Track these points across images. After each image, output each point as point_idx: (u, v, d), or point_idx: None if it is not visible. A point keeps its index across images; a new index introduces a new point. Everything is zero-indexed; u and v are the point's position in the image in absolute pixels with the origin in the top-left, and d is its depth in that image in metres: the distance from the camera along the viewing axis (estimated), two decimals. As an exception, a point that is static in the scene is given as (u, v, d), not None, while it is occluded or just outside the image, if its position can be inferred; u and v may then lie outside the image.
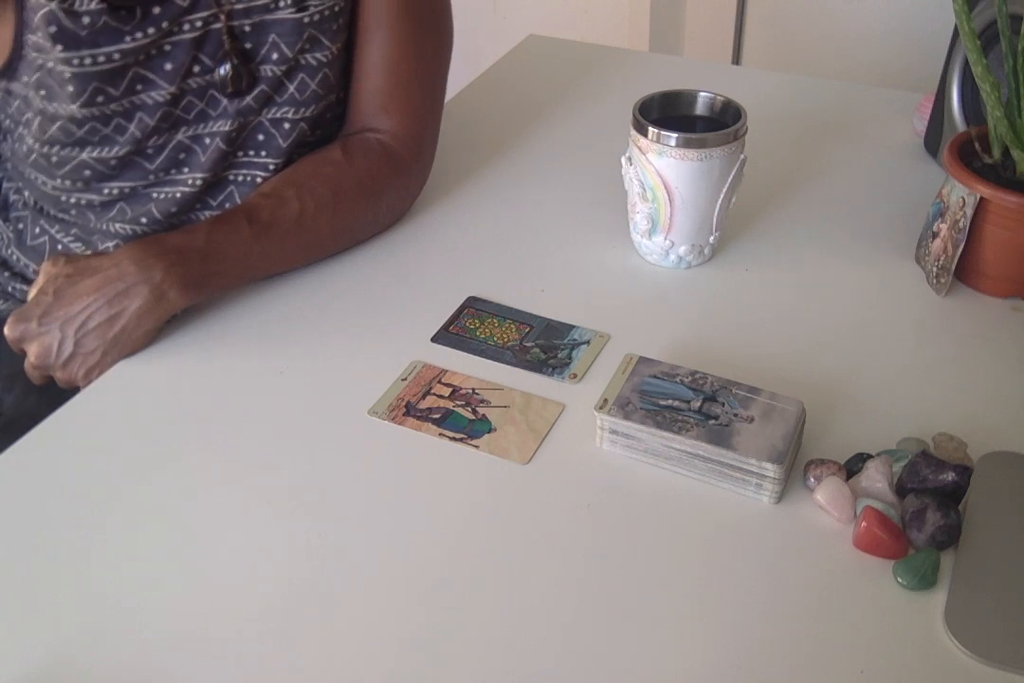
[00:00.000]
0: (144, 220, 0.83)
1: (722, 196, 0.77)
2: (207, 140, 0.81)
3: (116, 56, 0.73)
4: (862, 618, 0.53)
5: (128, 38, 0.73)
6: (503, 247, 0.84)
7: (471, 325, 0.75)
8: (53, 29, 0.71)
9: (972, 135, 0.76)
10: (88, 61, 0.72)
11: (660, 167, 0.74)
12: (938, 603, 0.54)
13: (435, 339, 0.74)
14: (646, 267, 0.82)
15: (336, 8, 0.80)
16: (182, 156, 0.81)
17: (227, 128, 0.80)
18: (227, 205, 0.84)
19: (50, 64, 0.72)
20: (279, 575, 0.56)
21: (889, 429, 0.64)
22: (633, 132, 0.76)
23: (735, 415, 0.61)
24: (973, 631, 0.51)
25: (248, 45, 0.78)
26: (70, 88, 0.73)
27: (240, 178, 0.84)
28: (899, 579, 0.54)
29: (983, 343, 0.72)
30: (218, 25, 0.76)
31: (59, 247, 0.88)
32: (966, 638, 0.51)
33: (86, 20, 0.71)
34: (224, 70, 0.78)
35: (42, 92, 0.75)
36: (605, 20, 1.90)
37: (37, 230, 0.88)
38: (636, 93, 0.79)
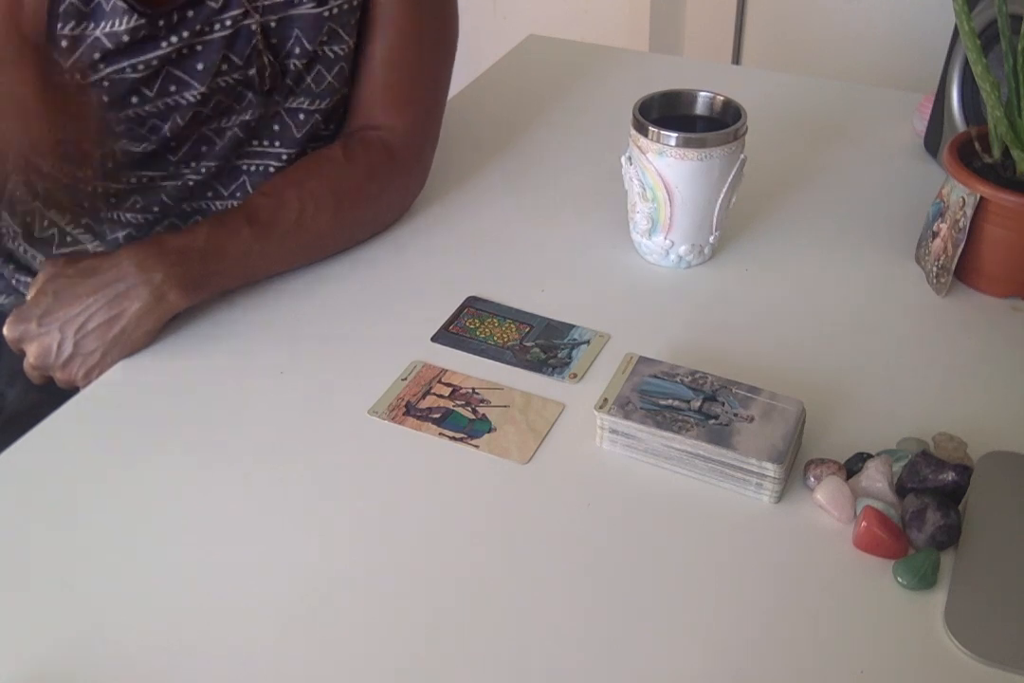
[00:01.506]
0: (155, 209, 0.84)
1: (722, 196, 0.77)
2: (228, 132, 0.81)
3: (154, 62, 0.74)
4: (862, 618, 0.53)
5: (164, 43, 0.74)
6: (503, 247, 0.84)
7: (471, 325, 0.75)
8: (98, 55, 0.72)
9: (972, 135, 0.76)
10: (128, 70, 0.73)
11: (660, 167, 0.74)
12: (938, 603, 0.54)
13: (435, 339, 0.74)
14: (646, 267, 0.82)
15: (355, 2, 0.80)
16: (204, 149, 0.82)
17: (247, 118, 0.81)
18: (238, 194, 0.85)
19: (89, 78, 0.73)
20: (279, 574, 0.56)
21: (889, 429, 0.64)
22: (633, 132, 0.76)
23: (735, 415, 0.61)
24: (973, 631, 0.51)
25: (274, 40, 0.78)
26: (106, 97, 0.74)
27: (253, 168, 0.84)
28: (899, 579, 0.54)
29: (983, 343, 0.72)
30: (247, 22, 0.76)
31: (68, 238, 0.88)
32: (966, 638, 0.51)
33: (126, 38, 0.72)
34: (253, 70, 0.78)
35: None
36: (605, 20, 1.90)
37: (45, 222, 0.88)
38: (636, 93, 0.79)
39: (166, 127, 0.78)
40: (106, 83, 0.74)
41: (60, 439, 0.66)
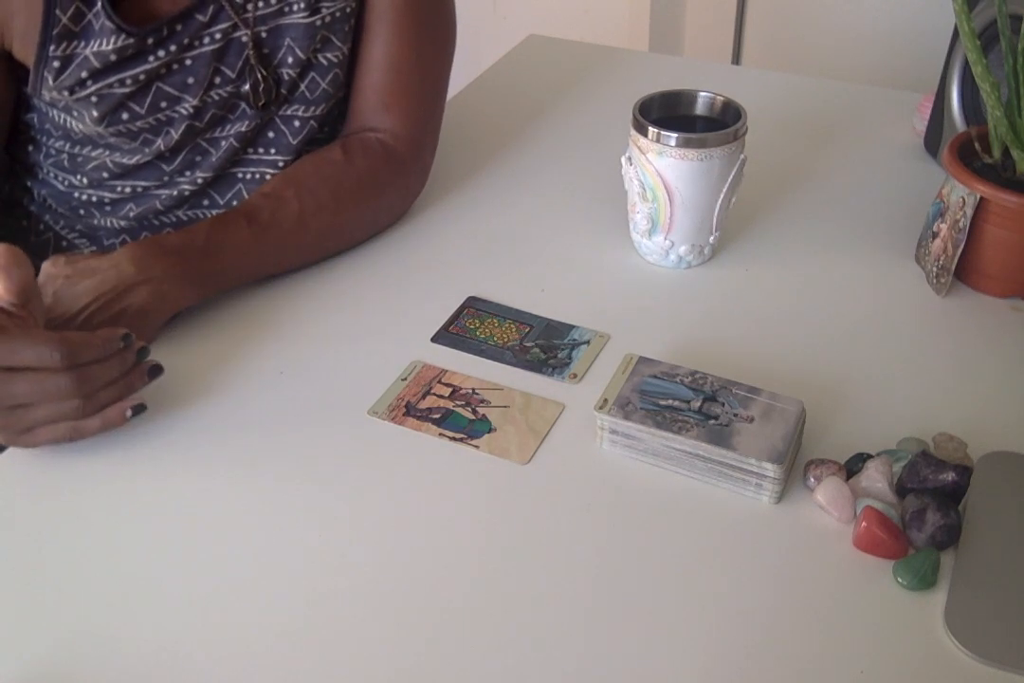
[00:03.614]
0: (151, 216, 0.84)
1: (722, 196, 0.77)
2: (223, 143, 0.81)
3: (142, 77, 0.74)
4: (862, 618, 0.53)
5: (151, 57, 0.74)
6: (503, 247, 0.84)
7: (471, 325, 0.75)
8: (85, 74, 0.72)
9: (972, 135, 0.76)
10: (116, 85, 0.74)
11: (660, 167, 0.74)
12: (938, 603, 0.54)
13: (435, 339, 0.74)
14: (646, 267, 0.82)
15: (348, 10, 0.80)
16: (198, 159, 0.82)
17: (244, 129, 0.81)
18: (235, 202, 0.85)
19: (78, 95, 0.74)
20: (278, 574, 0.56)
21: (889, 429, 0.64)
22: (633, 132, 0.76)
23: (735, 415, 0.61)
24: (973, 631, 0.51)
25: (266, 50, 0.78)
26: (95, 112, 0.75)
27: (249, 176, 0.84)
28: (899, 579, 0.54)
29: (983, 343, 0.72)
30: (237, 35, 0.77)
31: (63, 244, 0.88)
32: (966, 638, 0.51)
33: (113, 57, 0.72)
34: (247, 86, 0.78)
35: (75, 113, 0.76)
36: (605, 20, 1.90)
37: (41, 227, 0.89)
38: (636, 93, 0.79)
39: (160, 141, 0.79)
40: (94, 99, 0.74)
41: (60, 439, 0.66)
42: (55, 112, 0.79)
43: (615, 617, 0.54)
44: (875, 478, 0.59)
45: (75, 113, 0.77)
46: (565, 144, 1.00)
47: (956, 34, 0.85)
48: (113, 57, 0.72)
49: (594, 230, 0.86)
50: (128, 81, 0.74)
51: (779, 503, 0.60)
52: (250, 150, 0.83)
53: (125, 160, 0.80)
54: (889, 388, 0.68)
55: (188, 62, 0.76)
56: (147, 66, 0.74)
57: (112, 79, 0.74)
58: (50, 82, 0.73)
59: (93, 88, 0.73)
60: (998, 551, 0.55)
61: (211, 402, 0.69)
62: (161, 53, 0.74)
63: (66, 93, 0.74)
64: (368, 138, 0.84)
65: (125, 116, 0.76)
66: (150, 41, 0.74)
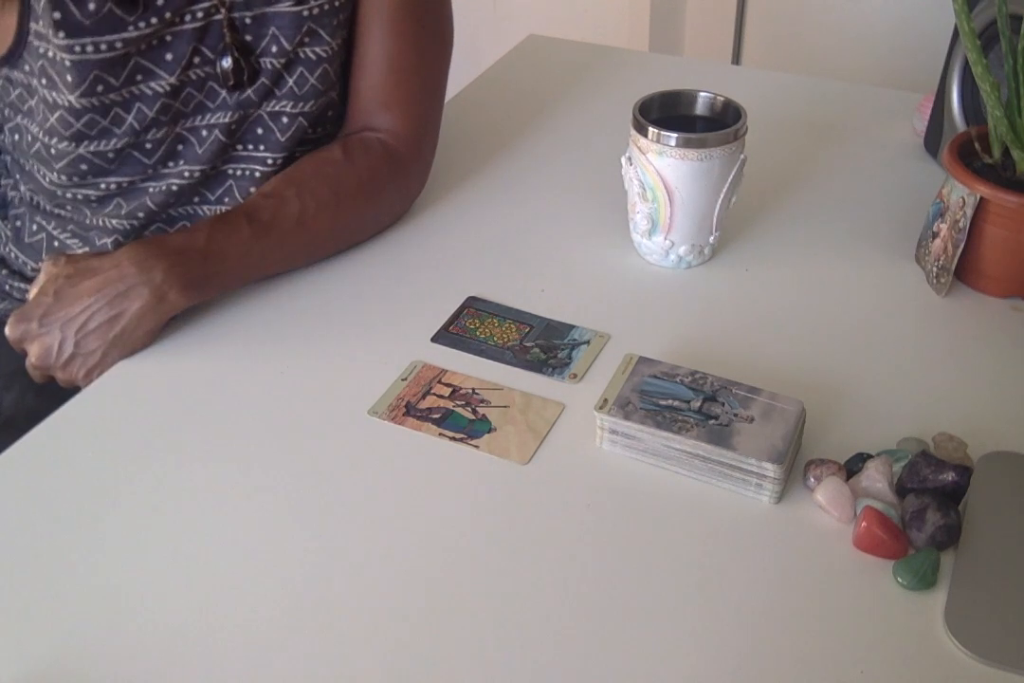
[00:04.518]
0: (141, 214, 0.83)
1: (722, 196, 0.77)
2: (204, 132, 0.81)
3: (118, 45, 0.73)
4: (862, 618, 0.53)
5: (131, 27, 0.73)
6: (503, 247, 0.84)
7: (471, 325, 0.75)
8: (57, 16, 0.70)
9: (972, 135, 0.76)
10: (90, 49, 0.72)
11: (660, 167, 0.74)
12: (938, 603, 0.54)
13: (435, 339, 0.74)
14: (646, 267, 0.82)
15: (336, 3, 0.80)
16: (179, 148, 0.81)
17: (226, 120, 0.80)
18: (226, 199, 0.85)
19: (51, 53, 0.72)
20: (278, 575, 0.56)
21: (889, 429, 0.64)
22: (633, 132, 0.76)
23: (735, 415, 0.61)
24: (973, 631, 0.51)
25: (248, 37, 0.78)
26: (69, 77, 0.73)
27: (239, 172, 0.84)
28: (899, 579, 0.54)
29: (983, 343, 0.72)
30: (219, 16, 0.76)
31: (56, 244, 0.87)
32: (966, 638, 0.51)
33: (91, 7, 0.71)
34: (225, 63, 0.78)
35: (43, 80, 0.75)
36: (605, 20, 1.90)
37: (34, 227, 0.88)
38: (636, 93, 0.79)
39: (130, 117, 0.77)
40: (68, 63, 0.72)
41: (60, 439, 0.66)
42: (35, 82, 0.76)
43: (615, 617, 0.54)
44: (875, 478, 0.59)
45: (52, 78, 0.75)
46: (565, 144, 1.00)
47: (956, 34, 0.85)
48: (91, 7, 0.70)
49: (594, 230, 0.86)
50: (103, 46, 0.72)
51: (779, 503, 0.60)
52: (239, 146, 0.83)
53: (97, 148, 0.79)
54: (889, 388, 0.68)
55: (168, 38, 0.75)
56: (125, 35, 0.72)
57: (87, 40, 0.71)
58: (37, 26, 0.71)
59: (64, 42, 0.71)
60: (998, 551, 0.55)
61: (211, 402, 0.69)
62: (142, 24, 0.73)
63: (50, 32, 0.72)
64: (368, 138, 0.84)
65: (100, 88, 0.74)
66: (128, 2, 0.72)
